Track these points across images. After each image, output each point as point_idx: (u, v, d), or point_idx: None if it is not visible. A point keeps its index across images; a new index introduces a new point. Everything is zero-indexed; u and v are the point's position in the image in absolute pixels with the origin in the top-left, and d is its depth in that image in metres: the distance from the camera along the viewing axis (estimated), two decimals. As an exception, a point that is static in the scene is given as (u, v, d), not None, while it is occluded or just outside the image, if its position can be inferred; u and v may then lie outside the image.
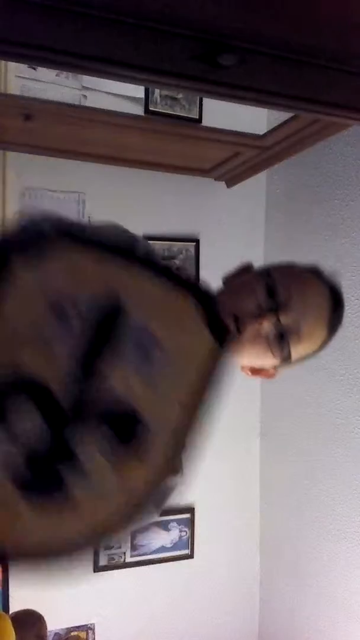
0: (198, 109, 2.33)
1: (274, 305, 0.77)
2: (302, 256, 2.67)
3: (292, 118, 1.73)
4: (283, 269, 0.86)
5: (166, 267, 0.81)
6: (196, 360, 0.71)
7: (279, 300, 0.78)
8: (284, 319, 0.77)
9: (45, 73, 2.08)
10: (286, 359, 0.81)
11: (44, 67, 1.78)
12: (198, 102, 2.33)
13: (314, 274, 0.86)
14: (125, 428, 0.68)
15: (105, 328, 0.70)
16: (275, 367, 0.85)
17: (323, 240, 2.14)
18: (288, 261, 0.89)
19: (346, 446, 2.03)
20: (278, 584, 2.49)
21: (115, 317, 0.70)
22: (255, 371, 0.87)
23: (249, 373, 0.88)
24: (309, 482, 2.23)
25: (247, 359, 0.84)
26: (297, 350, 0.81)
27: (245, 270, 0.90)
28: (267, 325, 0.77)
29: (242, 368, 0.87)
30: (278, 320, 0.77)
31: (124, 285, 0.71)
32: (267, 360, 0.82)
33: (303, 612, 2.29)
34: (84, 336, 0.69)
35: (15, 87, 2.06)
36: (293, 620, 2.36)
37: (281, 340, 0.78)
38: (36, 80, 2.09)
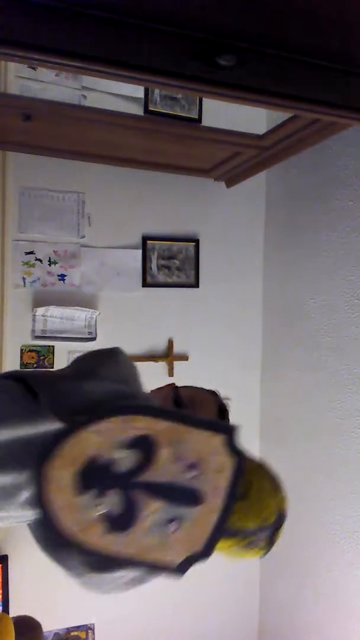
0: (198, 109, 2.33)
1: None
2: (301, 256, 2.66)
3: (292, 118, 1.73)
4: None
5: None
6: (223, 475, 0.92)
7: None
8: None
9: (45, 73, 2.08)
10: None
11: (44, 67, 1.78)
12: (198, 102, 2.33)
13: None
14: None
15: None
16: None
17: (323, 240, 2.14)
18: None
19: (346, 446, 2.03)
20: (278, 584, 2.49)
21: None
22: None
23: None
24: (309, 482, 2.23)
25: None
26: None
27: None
28: None
29: None
30: None
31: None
32: None
33: (303, 612, 2.29)
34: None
35: (15, 87, 2.07)
36: (293, 620, 2.36)
37: None
38: (36, 80, 2.09)
